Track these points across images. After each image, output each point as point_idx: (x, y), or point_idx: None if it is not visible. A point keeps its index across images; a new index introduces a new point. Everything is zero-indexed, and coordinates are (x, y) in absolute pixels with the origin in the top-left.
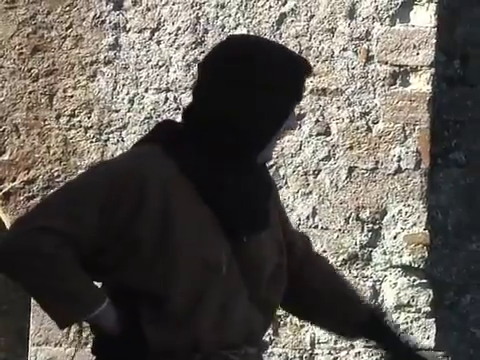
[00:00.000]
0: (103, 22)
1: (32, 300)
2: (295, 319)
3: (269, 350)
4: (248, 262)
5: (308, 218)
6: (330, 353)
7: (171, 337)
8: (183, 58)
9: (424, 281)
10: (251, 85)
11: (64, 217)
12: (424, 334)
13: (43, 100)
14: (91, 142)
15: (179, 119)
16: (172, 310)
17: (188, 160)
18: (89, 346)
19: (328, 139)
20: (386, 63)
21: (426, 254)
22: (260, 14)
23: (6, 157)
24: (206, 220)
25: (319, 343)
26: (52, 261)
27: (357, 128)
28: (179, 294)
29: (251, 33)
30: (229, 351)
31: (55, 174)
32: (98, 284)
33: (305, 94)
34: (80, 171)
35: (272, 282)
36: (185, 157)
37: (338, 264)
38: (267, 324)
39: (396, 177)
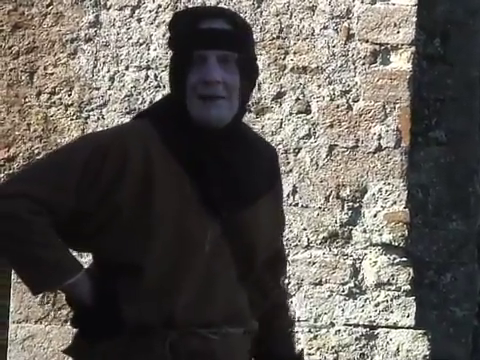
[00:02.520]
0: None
1: (12, 278)
2: None
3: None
4: (238, 241)
5: (288, 196)
6: (310, 331)
7: (146, 312)
8: (163, 36)
9: (404, 259)
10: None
11: (43, 184)
12: (404, 312)
13: (23, 77)
14: (71, 119)
15: (159, 96)
16: (148, 282)
17: (170, 132)
18: (69, 324)
19: (308, 117)
20: (367, 41)
21: (406, 232)
22: None
23: None
24: (190, 195)
25: (299, 321)
26: (28, 227)
27: (337, 106)
28: (155, 264)
29: (239, 12)
30: (208, 330)
31: (36, 152)
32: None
33: (286, 72)
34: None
35: (268, 265)
36: (167, 129)
37: (318, 242)
38: (258, 307)
39: (376, 155)
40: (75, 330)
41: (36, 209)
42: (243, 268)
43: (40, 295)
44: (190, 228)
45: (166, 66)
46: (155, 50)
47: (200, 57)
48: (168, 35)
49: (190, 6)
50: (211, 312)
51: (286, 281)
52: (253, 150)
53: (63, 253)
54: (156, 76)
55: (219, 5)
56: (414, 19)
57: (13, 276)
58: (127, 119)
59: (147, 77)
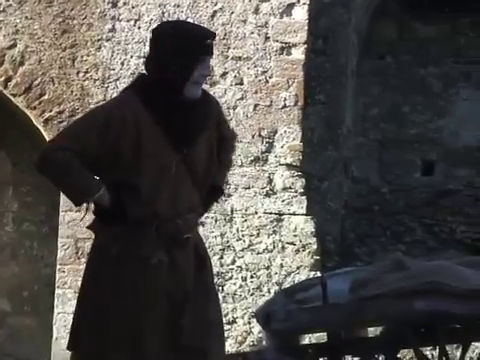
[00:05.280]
0: (105, 15)
1: None
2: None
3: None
4: (190, 163)
5: None
6: (242, 217)
7: (141, 210)
8: None
9: (299, 173)
10: (166, 51)
11: (77, 140)
12: (299, 205)
13: (68, 62)
14: (97, 88)
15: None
16: (142, 194)
17: (149, 99)
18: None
19: (242, 87)
20: (277, 41)
21: (301, 157)
22: (201, 10)
23: (46, 97)
24: (161, 138)
25: (236, 211)
26: (71, 165)
27: (259, 80)
28: (146, 184)
29: (196, 23)
30: (177, 218)
31: (76, 108)
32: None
33: (228, 59)
34: (91, 106)
35: (206, 172)
36: (147, 97)
37: (248, 163)
38: (203, 199)
39: (283, 110)
40: (94, 216)
41: (74, 155)
42: (194, 178)
43: None
44: (163, 159)
45: None
46: (148, 46)
47: (204, 60)
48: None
49: (173, 19)
50: (178, 207)
51: (228, 187)
52: (205, 110)
53: (92, 179)
54: None
55: (188, 19)
56: (306, 28)
57: None
58: None
59: (143, 63)
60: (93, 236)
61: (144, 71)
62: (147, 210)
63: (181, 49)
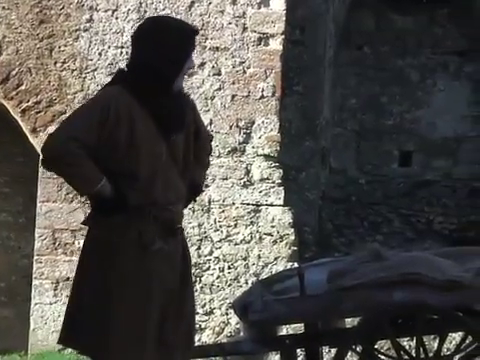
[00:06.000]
0: (83, 5)
1: (39, 173)
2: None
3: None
4: (175, 151)
5: (207, 126)
6: (220, 207)
7: (140, 198)
8: (131, 27)
9: (277, 164)
10: (160, 46)
11: (80, 131)
12: (277, 196)
13: (46, 53)
14: (75, 79)
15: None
16: (140, 182)
17: (137, 91)
18: (73, 203)
19: (220, 77)
20: (255, 31)
21: (278, 148)
22: (178, 1)
23: (23, 87)
24: (152, 127)
25: (214, 201)
26: (73, 155)
27: (237, 71)
28: (142, 172)
29: (173, 14)
30: (170, 205)
31: (53, 98)
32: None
33: (206, 50)
34: (69, 97)
35: (186, 161)
36: (135, 89)
37: (225, 153)
38: (187, 188)
39: (260, 101)
40: (88, 211)
41: (78, 145)
42: (178, 167)
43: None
44: (155, 147)
45: None
46: (126, 36)
47: (191, 54)
48: (136, 27)
49: (148, 10)
50: (170, 195)
51: (207, 177)
52: (185, 101)
53: (95, 170)
54: (127, 53)
55: (165, 10)
56: (284, 18)
57: None
58: (109, 79)
59: (121, 53)
60: (84, 232)
61: (123, 66)
62: (145, 197)
63: (174, 45)
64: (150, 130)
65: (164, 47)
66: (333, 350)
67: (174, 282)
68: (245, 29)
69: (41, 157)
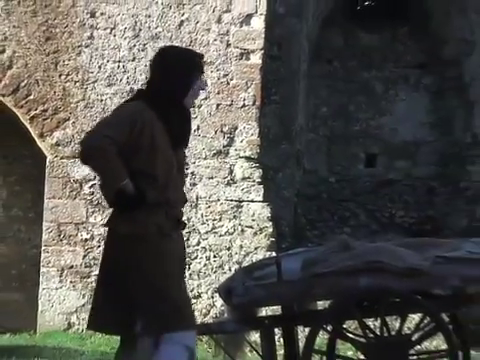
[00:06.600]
0: (84, 24)
1: (46, 173)
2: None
3: None
4: (179, 161)
5: (195, 131)
6: (206, 203)
7: (157, 196)
8: (128, 44)
9: (257, 165)
10: (170, 70)
11: (113, 130)
12: (257, 193)
13: (52, 66)
14: (78, 89)
15: (124, 79)
16: (158, 182)
17: (157, 107)
18: (76, 200)
19: (206, 88)
20: (237, 47)
21: (258, 150)
22: (169, 20)
23: (31, 97)
24: (166, 139)
25: (201, 198)
26: (109, 153)
27: (221, 82)
28: (160, 174)
29: (164, 32)
30: (179, 204)
31: (58, 106)
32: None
33: None
34: (72, 105)
35: (183, 171)
36: (155, 106)
37: (211, 155)
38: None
39: (242, 109)
40: (90, 208)
41: (111, 143)
42: (182, 175)
43: None
44: (169, 156)
45: (129, 60)
46: (122, 51)
47: (199, 77)
48: (132, 43)
49: (142, 28)
50: (179, 197)
51: (193, 176)
52: (190, 116)
53: (122, 167)
54: (124, 66)
55: (158, 28)
56: (263, 36)
57: None
58: (108, 90)
59: (118, 66)
60: (86, 225)
61: (123, 79)
62: (161, 195)
63: (183, 70)
64: (165, 141)
65: (175, 72)
66: (307, 329)
67: (184, 261)
68: (229, 45)
69: (79, 150)
